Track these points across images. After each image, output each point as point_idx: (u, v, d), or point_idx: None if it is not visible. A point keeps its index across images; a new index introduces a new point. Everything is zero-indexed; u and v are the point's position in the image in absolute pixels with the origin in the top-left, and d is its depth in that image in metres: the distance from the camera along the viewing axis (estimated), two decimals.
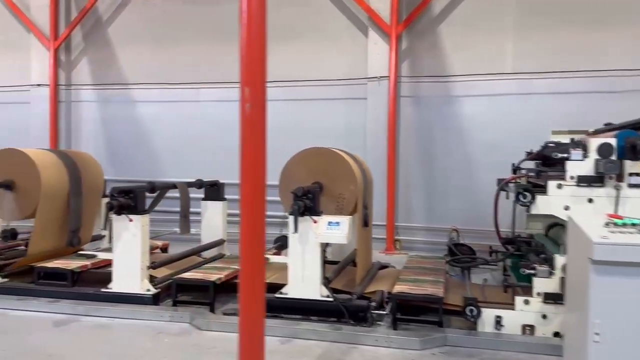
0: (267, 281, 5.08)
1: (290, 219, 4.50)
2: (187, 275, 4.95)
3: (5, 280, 5.21)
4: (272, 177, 8.45)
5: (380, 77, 8.29)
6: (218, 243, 6.41)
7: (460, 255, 6.09)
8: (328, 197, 4.95)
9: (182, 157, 9.28)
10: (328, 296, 4.49)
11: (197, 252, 5.94)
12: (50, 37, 9.41)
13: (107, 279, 5.31)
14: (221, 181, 6.96)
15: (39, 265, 5.19)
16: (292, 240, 4.53)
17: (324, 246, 4.56)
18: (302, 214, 4.36)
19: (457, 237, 6.87)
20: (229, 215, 6.80)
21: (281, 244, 5.59)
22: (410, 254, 7.17)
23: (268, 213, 8.34)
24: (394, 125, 8.15)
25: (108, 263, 5.51)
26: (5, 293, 5.03)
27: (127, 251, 4.80)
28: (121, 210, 4.69)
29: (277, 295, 4.57)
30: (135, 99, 9.50)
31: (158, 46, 9.32)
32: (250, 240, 2.63)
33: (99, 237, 6.80)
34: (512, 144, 7.90)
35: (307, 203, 4.39)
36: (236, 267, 5.29)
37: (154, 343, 4.06)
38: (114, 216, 4.78)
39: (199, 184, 6.32)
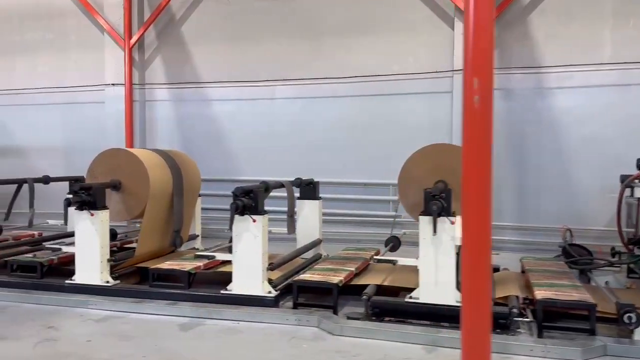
0: (383, 284, 4.92)
1: (423, 219, 4.26)
2: (306, 277, 4.78)
3: (117, 282, 5.15)
4: (373, 174, 8.48)
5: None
6: (316, 243, 6.23)
7: (577, 257, 5.73)
8: (453, 197, 4.69)
9: (258, 155, 9.17)
10: None
11: (301, 252, 5.78)
12: (125, 37, 9.42)
13: (217, 279, 5.24)
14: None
15: (153, 266, 5.11)
16: (424, 242, 4.29)
17: (459, 249, 4.31)
18: (439, 215, 4.11)
19: (570, 237, 6.50)
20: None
21: (393, 245, 5.37)
22: (502, 254, 6.84)
23: (373, 212, 8.13)
24: None
25: (217, 263, 5.43)
26: (121, 295, 4.97)
27: (248, 252, 4.66)
28: (244, 211, 4.55)
29: (407, 299, 4.35)
30: (209, 98, 9.44)
31: (232, 43, 9.22)
32: (474, 249, 2.40)
33: (194, 237, 6.75)
34: (612, 138, 7.51)
35: (442, 204, 4.14)
36: (349, 268, 5.11)
37: (294, 349, 3.90)
38: (236, 217, 4.65)
39: (297, 183, 6.15)
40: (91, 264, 5.06)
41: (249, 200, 4.57)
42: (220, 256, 4.97)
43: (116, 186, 5.45)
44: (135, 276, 5.56)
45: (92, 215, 4.99)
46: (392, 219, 7.45)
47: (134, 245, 6.76)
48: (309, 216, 6.35)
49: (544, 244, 7.55)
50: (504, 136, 7.97)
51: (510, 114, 8.02)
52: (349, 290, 4.93)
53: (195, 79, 9.47)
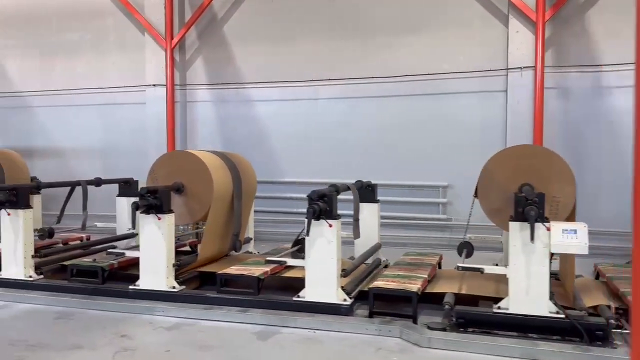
0: (461, 292, 4.71)
1: (513, 225, 4.04)
2: (382, 284, 4.59)
3: (182, 287, 5.00)
4: (421, 176, 8.27)
5: (524, 67, 7.70)
6: (376, 248, 6.04)
7: None
8: None
9: (301, 157, 9.01)
10: (557, 312, 4.02)
11: (366, 258, 5.58)
12: (166, 37, 9.32)
13: (278, 285, 5.08)
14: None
15: (221, 272, 4.96)
16: (515, 249, 4.07)
17: (552, 257, 4.09)
18: (536, 221, 3.88)
19: None
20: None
21: (468, 251, 5.15)
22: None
23: (421, 215, 7.87)
24: (540, 120, 7.54)
25: (281, 269, 5.26)
26: (187, 301, 4.82)
27: (322, 258, 4.48)
28: (320, 215, 4.38)
29: (495, 310, 4.14)
30: (251, 98, 9.30)
31: (275, 43, 9.08)
32: None
33: (247, 240, 6.61)
34: None
35: (538, 209, 3.91)
36: (422, 275, 4.91)
37: None
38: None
39: (358, 186, 5.96)
40: (156, 268, 4.92)
41: (324, 204, 4.39)
42: (292, 262, 4.80)
43: (179, 189, 5.31)
44: (196, 281, 5.42)
45: (159, 219, 4.85)
46: (464, 223, 7.25)
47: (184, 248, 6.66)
48: (368, 219, 6.15)
49: (605, 248, 7.27)
50: (559, 137, 7.72)
51: (566, 114, 7.77)
52: (422, 298, 4.73)
53: (237, 80, 9.34)
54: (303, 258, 5.44)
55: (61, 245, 6.75)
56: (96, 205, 7.65)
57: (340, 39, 8.74)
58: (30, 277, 5.35)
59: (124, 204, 7.07)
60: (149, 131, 9.64)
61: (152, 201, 4.84)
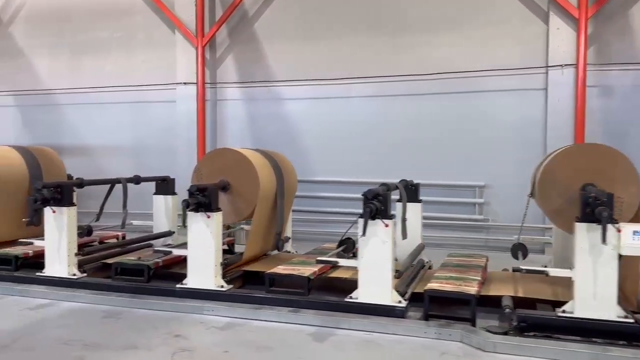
0: (518, 295, 4.57)
1: (580, 227, 3.91)
2: (437, 286, 4.47)
3: (230, 286, 4.92)
4: (457, 176, 8.10)
5: (565, 65, 7.54)
6: (420, 248, 5.92)
7: None
8: None
9: (333, 155, 8.91)
10: (626, 317, 3.88)
11: (414, 258, 5.46)
12: (198, 35, 9.27)
13: (323, 285, 5.00)
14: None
15: (269, 271, 4.87)
16: (582, 252, 3.94)
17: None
18: (609, 222, 3.74)
19: None
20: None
21: (523, 253, 5.01)
22: None
23: (457, 216, 7.72)
24: (582, 118, 7.38)
25: (327, 269, 5.16)
26: (236, 301, 4.74)
27: (376, 259, 4.38)
28: (376, 215, 4.28)
29: (560, 314, 4.00)
30: (282, 96, 9.22)
31: (307, 41, 8.99)
32: None
33: (286, 239, 6.51)
34: None
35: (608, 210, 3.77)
36: (475, 277, 4.78)
37: None
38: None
39: (403, 185, 5.84)
40: (205, 267, 4.85)
41: (379, 203, 4.29)
42: (345, 262, 4.69)
43: (225, 187, 5.24)
44: (239, 280, 5.34)
45: (208, 217, 4.78)
46: (502, 224, 7.13)
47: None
48: (412, 220, 5.96)
49: None
50: (601, 136, 7.52)
51: (608, 112, 7.59)
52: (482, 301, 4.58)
53: (268, 78, 9.26)
54: (348, 258, 5.38)
55: (97, 243, 6.73)
56: (130, 203, 7.57)
57: (374, 35, 8.63)
58: (74, 275, 5.31)
59: (161, 202, 7.02)
60: (179, 129, 9.59)
61: (202, 199, 4.76)
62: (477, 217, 8.11)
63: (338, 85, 8.85)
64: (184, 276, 5.22)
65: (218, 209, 4.89)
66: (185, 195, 4.81)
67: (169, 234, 6.97)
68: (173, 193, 7.11)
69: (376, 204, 4.28)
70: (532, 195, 5.02)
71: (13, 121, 11.00)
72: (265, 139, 9.28)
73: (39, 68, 10.75)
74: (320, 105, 9.00)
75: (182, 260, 5.63)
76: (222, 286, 4.86)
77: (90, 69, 10.33)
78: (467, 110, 8.19)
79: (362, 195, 4.33)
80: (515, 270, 4.53)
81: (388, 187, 4.75)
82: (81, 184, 5.57)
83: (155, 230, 7.02)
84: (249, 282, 5.37)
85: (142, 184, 6.89)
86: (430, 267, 5.85)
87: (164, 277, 5.43)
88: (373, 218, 4.30)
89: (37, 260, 5.86)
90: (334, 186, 8.87)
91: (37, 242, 5.64)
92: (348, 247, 5.35)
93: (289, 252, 6.55)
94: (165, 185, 7.08)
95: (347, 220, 8.59)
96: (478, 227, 8.16)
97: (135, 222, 7.41)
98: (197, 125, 9.38)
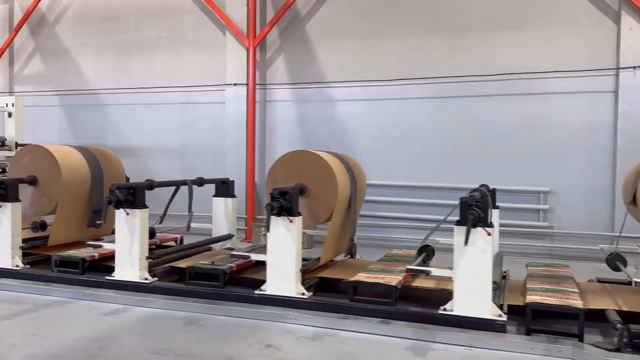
0: (622, 309, 4.30)
1: None
2: (539, 298, 4.22)
3: (310, 294, 4.72)
4: (519, 181, 7.75)
5: (637, 66, 7.22)
6: (501, 258, 5.65)
7: None
8: None
9: (386, 159, 8.68)
10: None
11: (499, 269, 5.20)
12: (249, 35, 9.13)
13: (407, 295, 4.78)
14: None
15: (353, 279, 4.66)
16: None
17: None
18: None
19: None
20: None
21: (623, 264, 4.73)
22: None
23: (519, 222, 7.38)
24: None
25: (409, 277, 4.94)
26: (318, 309, 4.54)
27: (474, 269, 4.14)
28: (477, 222, 4.04)
29: None
30: (334, 98, 9.03)
31: (361, 41, 8.79)
32: None
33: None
34: None
35: None
36: (573, 290, 4.52)
37: None
38: (456, 228, 4.16)
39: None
40: (285, 273, 4.67)
41: (479, 210, 4.06)
42: (439, 272, 4.46)
43: (302, 190, 5.05)
44: (313, 287, 5.13)
45: (290, 222, 4.59)
46: (568, 232, 6.90)
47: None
48: None
49: None
50: None
51: None
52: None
53: (320, 79, 9.08)
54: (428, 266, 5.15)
55: (156, 246, 6.60)
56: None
57: (433, 36, 8.40)
58: (146, 279, 5.17)
59: (221, 204, 6.88)
60: (228, 131, 9.46)
61: (284, 203, 4.58)
62: (541, 224, 7.81)
63: (393, 87, 8.63)
64: (255, 281, 5.07)
65: (299, 214, 4.71)
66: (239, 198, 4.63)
67: (229, 237, 6.84)
68: (232, 195, 6.97)
69: (477, 211, 4.05)
70: (633, 202, 4.73)
71: (58, 121, 10.99)
72: (315, 140, 9.10)
73: (84, 68, 10.73)
74: (374, 106, 8.80)
75: (254, 265, 5.49)
76: (303, 293, 4.67)
77: (137, 69, 10.26)
78: (530, 113, 7.91)
79: (462, 200, 4.10)
80: (600, 281, 4.27)
81: (485, 193, 4.51)
82: (151, 185, 5.44)
83: (215, 233, 6.89)
84: (321, 289, 5.18)
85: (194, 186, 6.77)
86: (504, 277, 5.59)
87: (235, 282, 5.26)
88: (475, 225, 4.07)
89: (100, 263, 5.77)
90: (388, 190, 8.64)
91: (107, 245, 5.51)
92: (428, 254, 5.11)
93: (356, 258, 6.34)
94: (225, 188, 6.94)
95: (400, 225, 8.51)
96: (541, 235, 7.86)
97: (194, 225, 7.27)
98: (247, 127, 9.24)
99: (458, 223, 4.14)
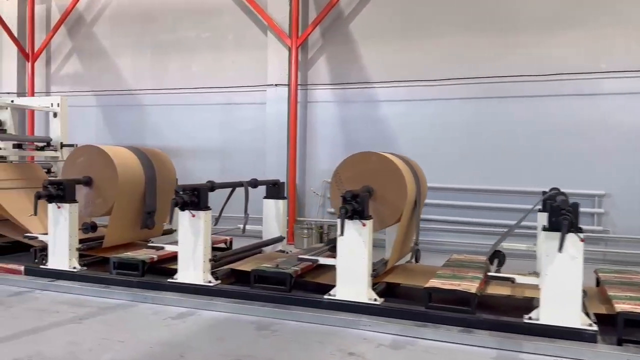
0: None
1: None
2: (629, 308, 4.04)
3: (382, 300, 4.59)
4: (572, 184, 7.45)
5: None
6: None
7: None
8: None
9: (430, 159, 8.41)
10: None
11: None
12: (292, 35, 9.03)
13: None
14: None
15: (428, 286, 4.52)
16: None
17: None
18: None
19: None
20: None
21: None
22: None
23: (586, 227, 7.22)
24: None
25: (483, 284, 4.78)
26: (391, 315, 4.40)
27: (564, 276, 3.98)
28: (571, 228, 3.88)
29: None
30: (378, 98, 8.89)
31: (405, 40, 8.65)
32: None
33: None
34: None
35: None
36: None
37: None
38: (542, 234, 4.00)
39: (554, 195, 5.41)
40: (356, 278, 4.54)
41: (571, 215, 3.89)
42: (525, 279, 4.30)
43: (369, 193, 4.92)
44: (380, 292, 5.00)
45: (363, 225, 4.47)
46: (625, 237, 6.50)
47: None
48: None
49: None
50: None
51: None
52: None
53: (362, 79, 8.95)
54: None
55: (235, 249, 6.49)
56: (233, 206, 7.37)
57: (479, 35, 8.21)
58: (210, 282, 5.07)
59: (272, 206, 6.79)
60: (269, 132, 9.36)
61: (355, 206, 4.46)
62: (596, 228, 7.59)
63: (439, 87, 8.47)
64: (320, 285, 4.97)
65: (370, 217, 4.58)
66: None
67: (280, 239, 6.74)
68: (283, 197, 6.88)
69: (570, 216, 3.89)
70: None
71: (95, 121, 10.99)
72: (357, 141, 8.97)
73: (122, 68, 10.71)
74: (419, 107, 8.64)
75: (315, 268, 5.38)
76: (375, 299, 4.54)
77: (176, 70, 10.22)
78: (584, 113, 7.70)
79: (553, 205, 3.94)
80: None
81: (566, 196, 4.35)
82: (212, 187, 5.35)
83: (265, 235, 6.80)
84: (385, 294, 5.04)
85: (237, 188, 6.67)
86: None
87: (297, 285, 5.14)
88: (569, 231, 3.90)
89: (156, 265, 5.71)
90: (433, 192, 8.44)
91: (169, 247, 5.43)
92: (500, 260, 4.95)
93: (410, 262, 6.20)
94: (275, 189, 6.85)
95: (444, 228, 8.34)
96: (595, 239, 7.64)
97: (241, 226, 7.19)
98: (289, 128, 9.13)
99: (546, 229, 3.98)
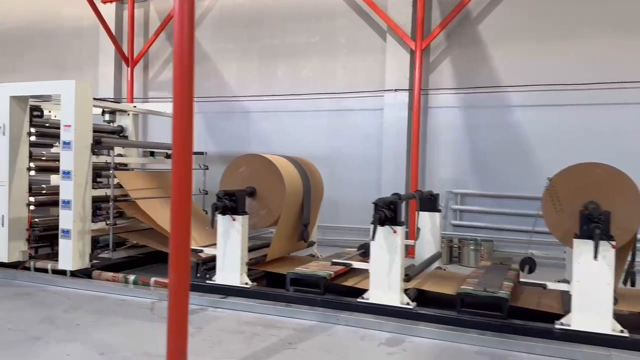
0: None
1: None
2: None
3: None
4: None
5: None
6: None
7: None
8: None
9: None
10: None
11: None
12: (417, 38, 8.62)
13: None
14: None
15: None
16: None
17: None
18: None
19: None
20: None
21: None
22: None
23: None
24: None
25: None
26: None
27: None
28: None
29: None
30: (507, 103, 8.42)
31: (540, 41, 8.18)
32: None
33: None
34: None
35: None
36: None
37: None
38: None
39: None
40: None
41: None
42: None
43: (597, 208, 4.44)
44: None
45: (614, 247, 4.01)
46: None
47: None
48: None
49: None
50: None
51: None
52: None
53: (491, 83, 8.48)
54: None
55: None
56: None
57: (623, 37, 7.67)
58: (408, 304, 4.68)
59: (427, 219, 6.38)
60: (385, 138, 8.98)
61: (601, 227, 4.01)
62: None
63: (578, 91, 7.94)
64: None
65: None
66: None
67: (437, 256, 6.32)
68: (438, 210, 6.47)
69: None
70: None
71: (197, 128, 10.78)
72: (484, 149, 8.54)
73: (226, 74, 10.50)
74: (556, 113, 8.12)
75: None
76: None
77: (284, 76, 9.94)
78: None
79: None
80: None
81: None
82: (400, 198, 4.96)
83: (419, 248, 6.39)
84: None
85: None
86: None
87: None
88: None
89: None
90: None
91: (357, 264, 5.07)
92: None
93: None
94: (431, 201, 6.45)
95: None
96: None
97: None
98: (410, 135, 8.73)
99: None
